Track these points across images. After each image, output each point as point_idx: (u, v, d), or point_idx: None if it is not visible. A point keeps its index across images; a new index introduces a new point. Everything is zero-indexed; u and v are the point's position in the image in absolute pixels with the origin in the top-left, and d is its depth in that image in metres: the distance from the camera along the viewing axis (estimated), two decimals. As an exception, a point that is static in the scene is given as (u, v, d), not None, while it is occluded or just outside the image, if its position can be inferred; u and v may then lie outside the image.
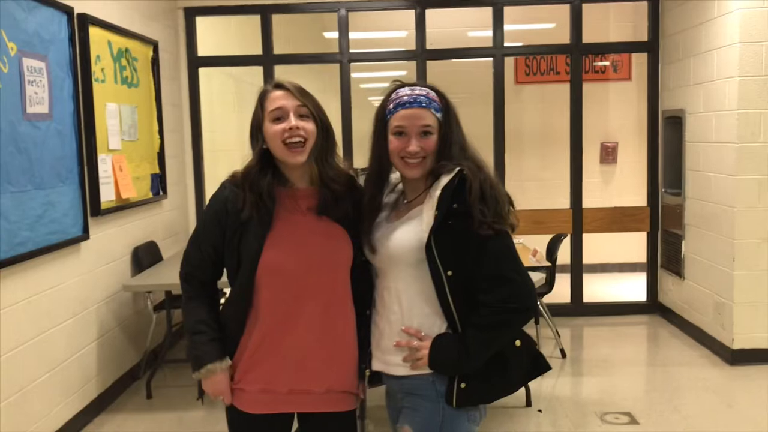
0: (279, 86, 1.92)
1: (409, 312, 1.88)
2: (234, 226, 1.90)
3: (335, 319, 1.95)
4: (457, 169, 1.82)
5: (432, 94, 1.89)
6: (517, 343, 1.90)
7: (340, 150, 2.03)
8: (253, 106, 1.97)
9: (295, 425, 2.07)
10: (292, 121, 1.85)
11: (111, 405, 4.20)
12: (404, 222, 1.90)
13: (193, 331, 1.97)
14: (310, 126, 1.88)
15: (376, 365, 1.96)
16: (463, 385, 1.84)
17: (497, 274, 1.81)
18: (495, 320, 1.83)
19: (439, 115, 1.86)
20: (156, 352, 4.75)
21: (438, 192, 1.82)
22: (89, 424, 3.93)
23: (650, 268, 5.91)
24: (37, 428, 3.43)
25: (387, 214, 1.97)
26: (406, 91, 1.89)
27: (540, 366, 1.97)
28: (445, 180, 1.82)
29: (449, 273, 1.80)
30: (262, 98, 1.92)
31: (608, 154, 7.34)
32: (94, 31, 4.02)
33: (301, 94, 1.91)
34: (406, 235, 1.86)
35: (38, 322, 3.47)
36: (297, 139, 1.86)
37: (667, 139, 5.66)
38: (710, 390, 4.26)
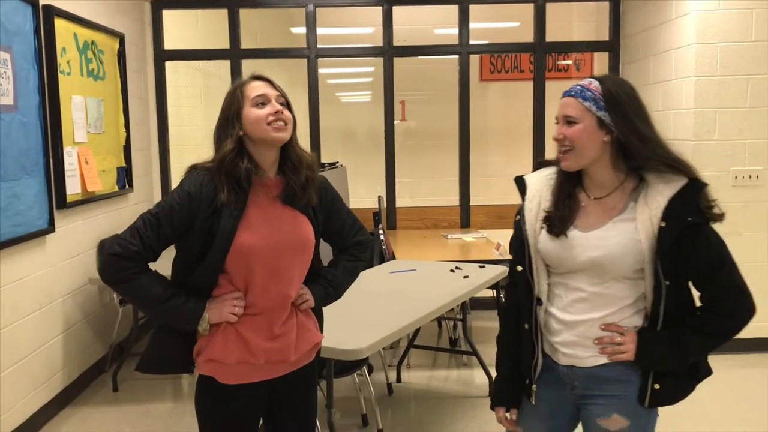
0: (258, 77, 2.03)
1: (607, 311, 1.81)
2: (207, 211, 1.90)
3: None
4: (686, 180, 1.76)
5: (593, 84, 1.79)
6: None
7: (308, 145, 2.10)
8: (222, 101, 2.02)
9: None
10: (277, 105, 1.96)
11: (77, 398, 4.20)
12: (610, 228, 1.79)
13: (165, 298, 1.90)
14: (288, 114, 1.99)
15: (563, 360, 1.87)
16: (657, 386, 1.79)
17: (730, 284, 1.76)
18: (726, 328, 1.78)
19: (587, 104, 1.77)
20: (122, 346, 4.74)
21: (663, 200, 1.74)
22: (55, 417, 3.93)
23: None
24: (1, 421, 3.42)
25: (564, 215, 1.86)
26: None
27: (707, 369, 1.88)
28: (668, 189, 1.75)
29: (668, 283, 1.73)
30: (242, 86, 2.00)
31: (571, 150, 7.48)
32: (59, 23, 4.00)
33: (278, 86, 2.04)
34: (619, 248, 1.76)
35: (3, 315, 3.45)
36: (281, 123, 1.96)
37: (627, 136, 5.80)
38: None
